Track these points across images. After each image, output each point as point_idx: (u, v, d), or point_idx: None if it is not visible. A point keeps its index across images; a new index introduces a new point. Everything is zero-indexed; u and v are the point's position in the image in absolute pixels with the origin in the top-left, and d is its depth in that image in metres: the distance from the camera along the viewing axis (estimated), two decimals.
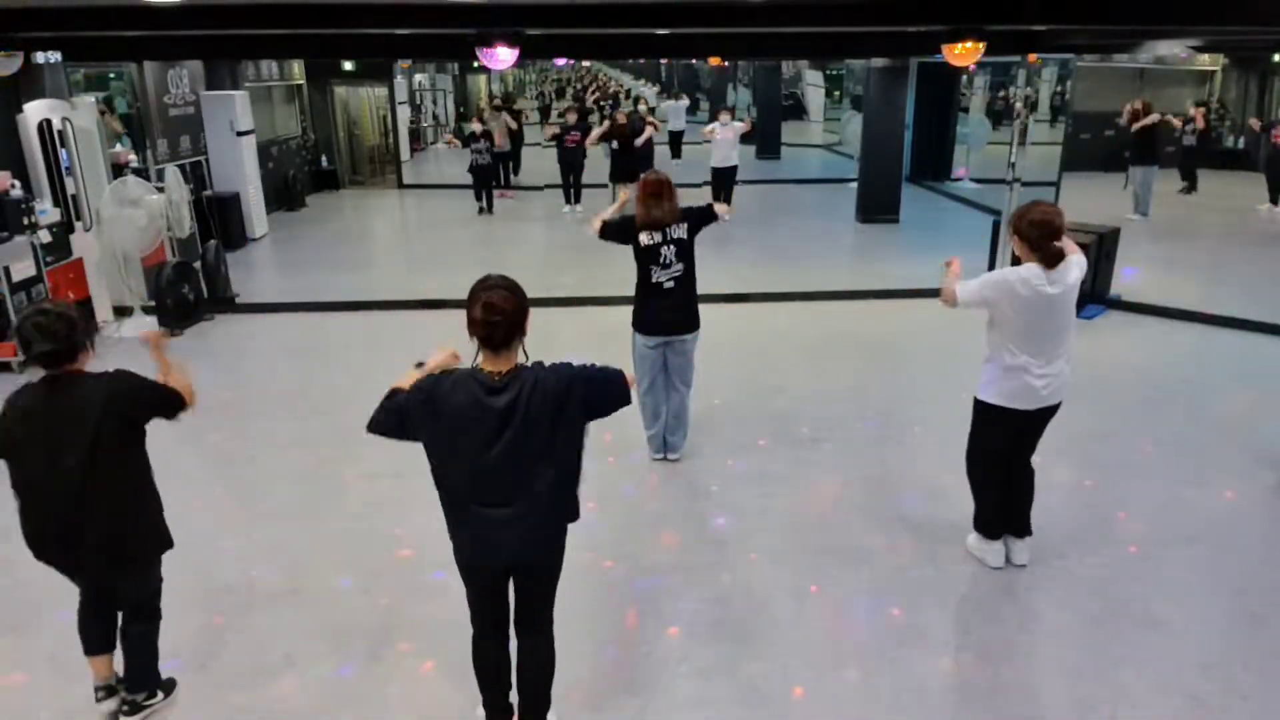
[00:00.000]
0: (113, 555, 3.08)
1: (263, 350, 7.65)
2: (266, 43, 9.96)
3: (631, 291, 5.17)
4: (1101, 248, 8.28)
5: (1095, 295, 8.35)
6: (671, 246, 5.03)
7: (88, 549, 3.03)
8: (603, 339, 7.36)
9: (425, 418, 2.69)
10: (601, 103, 23.78)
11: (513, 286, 2.71)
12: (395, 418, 2.75)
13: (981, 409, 4.12)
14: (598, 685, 3.53)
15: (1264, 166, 13.85)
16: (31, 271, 7.03)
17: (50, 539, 3.04)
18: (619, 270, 7.88)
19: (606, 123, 12.69)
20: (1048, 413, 4.05)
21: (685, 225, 5.07)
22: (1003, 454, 4.16)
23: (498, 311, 2.63)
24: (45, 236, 7.36)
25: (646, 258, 5.04)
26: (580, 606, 3.95)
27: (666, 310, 5.09)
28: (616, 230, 5.17)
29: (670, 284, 5.05)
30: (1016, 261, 3.96)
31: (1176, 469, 5.29)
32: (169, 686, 3.48)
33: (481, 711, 3.21)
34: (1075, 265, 3.90)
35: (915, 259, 10.30)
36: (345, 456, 5.50)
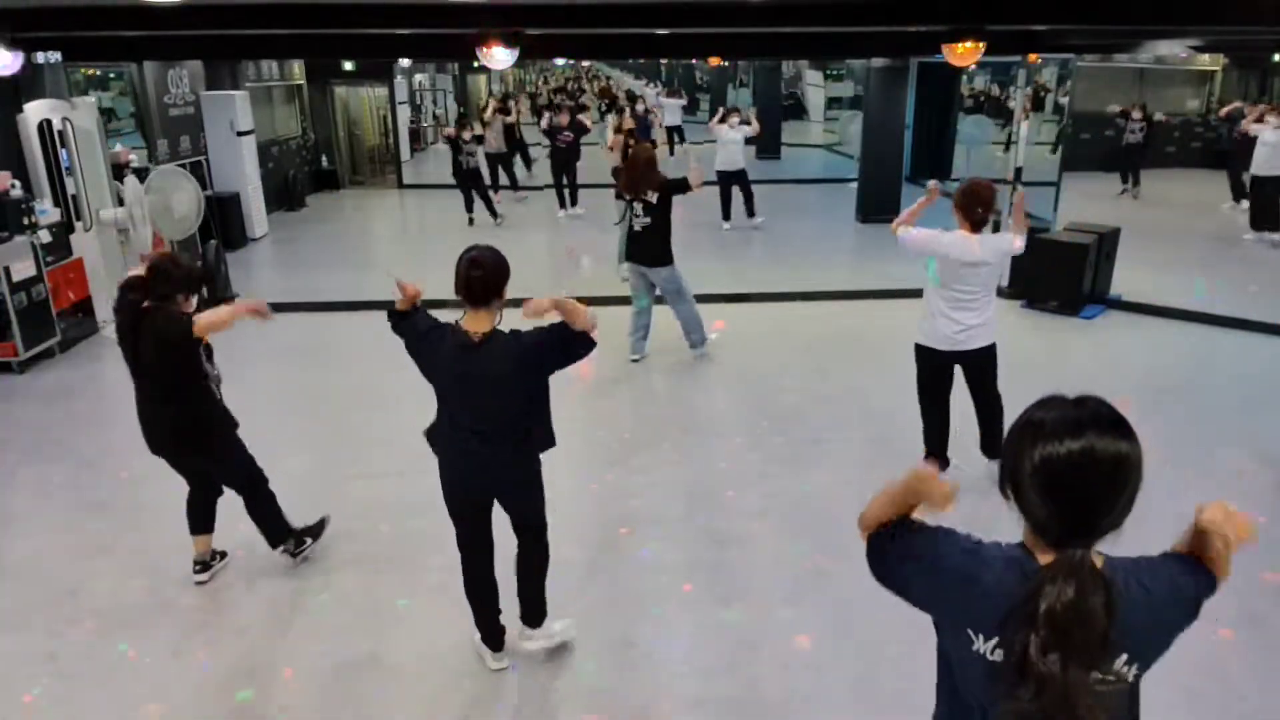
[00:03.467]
0: (187, 441, 3.94)
1: (263, 350, 7.64)
2: (266, 43, 9.95)
3: (628, 290, 5.95)
4: (1101, 248, 8.28)
5: (1095, 295, 8.35)
6: (639, 205, 6.57)
7: (166, 436, 3.93)
8: (602, 339, 7.36)
9: (420, 353, 3.19)
10: (606, 104, 23.76)
11: (494, 250, 3.14)
12: (405, 329, 3.23)
13: (915, 349, 4.88)
14: (598, 686, 3.54)
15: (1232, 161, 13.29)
16: (31, 271, 7.02)
17: (146, 429, 3.94)
18: (617, 268, 7.83)
19: (620, 134, 11.06)
20: (970, 357, 4.77)
21: (657, 194, 6.56)
22: (930, 388, 4.94)
23: (479, 265, 3.05)
24: (45, 236, 7.36)
25: (627, 207, 6.73)
26: (580, 607, 3.96)
27: (639, 247, 6.75)
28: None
29: (640, 229, 6.66)
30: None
31: (1177, 469, 5.28)
32: (316, 530, 4.35)
33: (477, 638, 3.59)
34: (1009, 246, 4.69)
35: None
36: (345, 457, 5.51)
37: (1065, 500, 1.49)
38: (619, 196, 6.93)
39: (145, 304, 3.79)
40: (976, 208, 4.54)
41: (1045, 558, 1.52)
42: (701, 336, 7.05)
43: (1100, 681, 1.46)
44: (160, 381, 3.86)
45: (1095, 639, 1.41)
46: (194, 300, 3.95)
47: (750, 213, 12.30)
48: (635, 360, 6.99)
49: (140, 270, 3.90)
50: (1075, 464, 1.47)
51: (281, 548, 4.24)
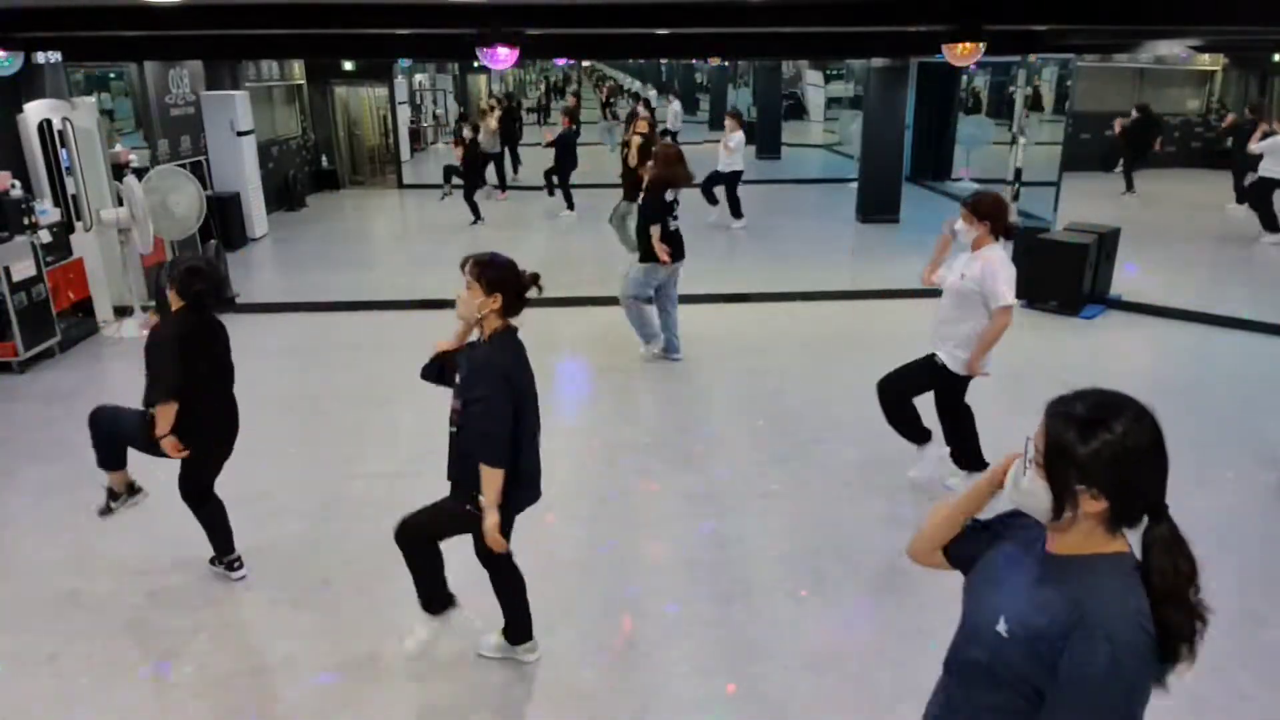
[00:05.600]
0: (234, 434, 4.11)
1: (263, 350, 7.63)
2: (266, 43, 9.96)
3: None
4: (1101, 248, 8.28)
5: (1095, 295, 8.35)
6: (678, 203, 6.67)
7: (232, 432, 4.08)
8: (602, 337, 7.38)
9: (518, 385, 3.13)
10: (611, 100, 23.75)
11: None
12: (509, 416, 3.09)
13: (966, 376, 4.77)
14: (598, 686, 3.54)
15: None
16: (31, 271, 7.02)
17: (224, 428, 4.05)
18: (617, 270, 7.85)
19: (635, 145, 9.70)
20: None
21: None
22: (963, 401, 4.93)
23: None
24: (45, 236, 7.35)
25: (665, 210, 6.60)
26: (579, 609, 3.96)
27: (676, 246, 6.73)
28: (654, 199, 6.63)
29: (676, 227, 6.69)
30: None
31: (1177, 469, 5.24)
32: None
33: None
34: None
35: (915, 259, 10.25)
36: (345, 456, 5.50)
37: (1154, 477, 1.66)
38: (641, 197, 6.80)
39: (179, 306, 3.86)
40: (1006, 217, 4.67)
41: (1119, 544, 1.64)
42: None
43: None
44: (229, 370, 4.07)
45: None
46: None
47: (711, 201, 12.44)
48: (661, 356, 7.01)
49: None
50: (1152, 442, 1.64)
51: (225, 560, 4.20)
